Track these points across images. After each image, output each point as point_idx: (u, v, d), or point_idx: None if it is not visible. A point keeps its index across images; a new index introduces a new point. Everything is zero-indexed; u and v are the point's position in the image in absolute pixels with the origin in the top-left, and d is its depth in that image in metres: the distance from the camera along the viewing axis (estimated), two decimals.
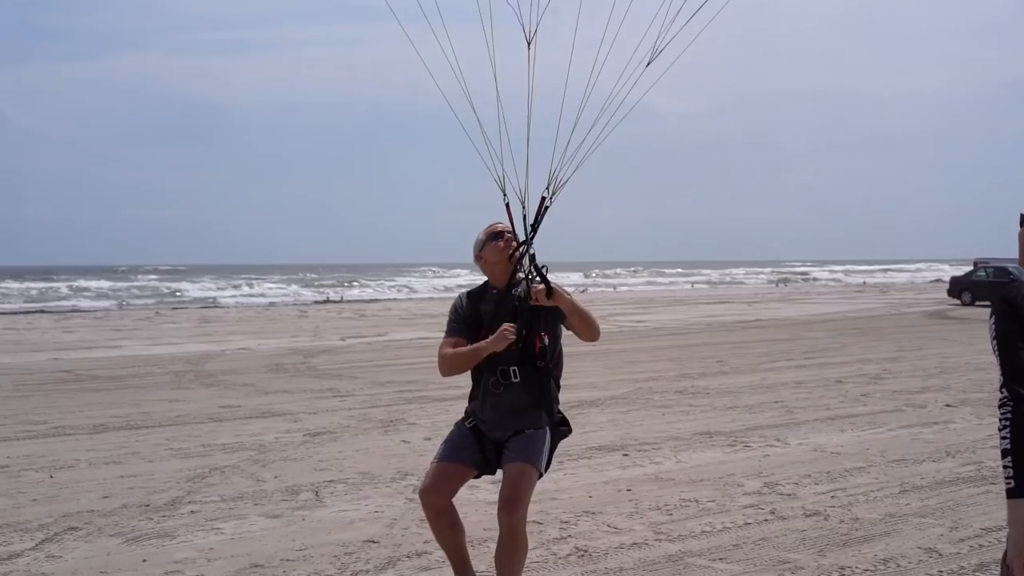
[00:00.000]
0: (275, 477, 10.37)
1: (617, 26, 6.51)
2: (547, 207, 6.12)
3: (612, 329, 32.62)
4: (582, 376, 18.87)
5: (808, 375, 18.88)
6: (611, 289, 79.92)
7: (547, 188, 6.10)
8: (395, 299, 64.28)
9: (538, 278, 5.87)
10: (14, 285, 73.01)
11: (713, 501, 9.21)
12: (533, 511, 8.84)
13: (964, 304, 46.62)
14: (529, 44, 6.22)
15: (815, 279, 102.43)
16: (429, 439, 12.37)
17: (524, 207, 6.11)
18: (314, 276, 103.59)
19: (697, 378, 18.54)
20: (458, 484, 6.17)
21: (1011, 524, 3.85)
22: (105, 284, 77.05)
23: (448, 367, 6.13)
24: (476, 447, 6.14)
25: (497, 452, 6.11)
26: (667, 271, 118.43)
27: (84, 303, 56.44)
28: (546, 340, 6.04)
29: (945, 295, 50.81)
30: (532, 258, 6.02)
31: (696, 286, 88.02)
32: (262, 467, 10.87)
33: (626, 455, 11.38)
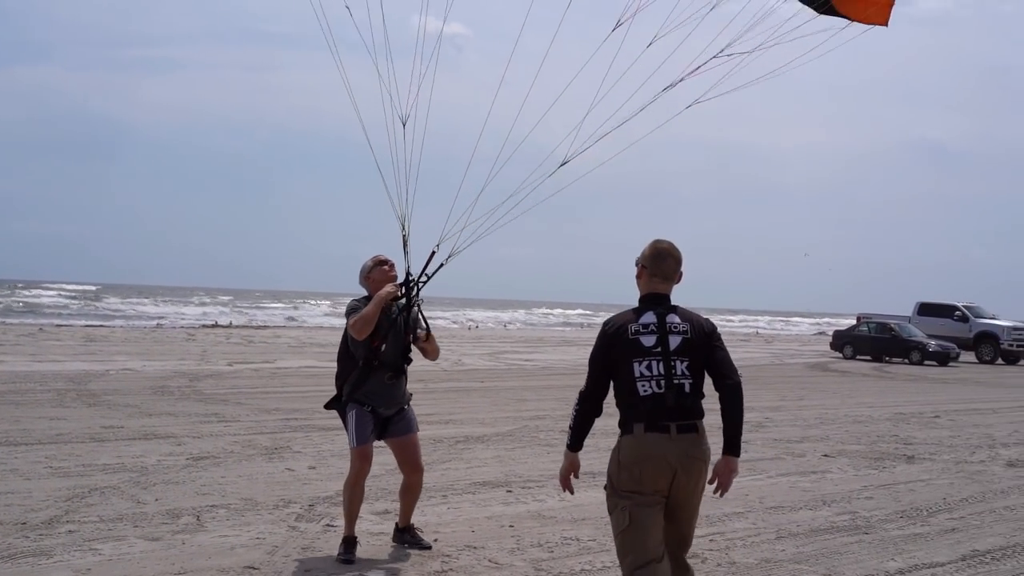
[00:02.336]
0: (156, 500, 10.27)
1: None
2: (442, 264, 8.47)
3: (500, 367, 32.76)
4: (469, 412, 18.95)
5: None
6: (502, 327, 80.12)
7: (437, 245, 8.39)
8: (284, 326, 63.73)
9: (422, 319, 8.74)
10: None
11: (594, 540, 9.31)
12: None
13: (846, 357, 47.49)
14: (404, 124, 8.34)
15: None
16: (313, 468, 12.34)
17: (407, 244, 8.61)
18: (205, 299, 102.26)
19: None
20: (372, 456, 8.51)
21: (565, 461, 6.49)
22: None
23: (364, 324, 8.23)
24: (374, 424, 8.44)
25: (384, 423, 8.52)
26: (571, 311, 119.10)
27: None
28: (413, 335, 8.69)
29: (828, 348, 51.78)
30: (417, 296, 8.63)
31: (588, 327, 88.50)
32: (143, 489, 10.76)
33: (510, 491, 11.46)
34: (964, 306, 51.91)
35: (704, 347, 5.96)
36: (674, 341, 5.89)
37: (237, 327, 58.01)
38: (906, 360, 45.54)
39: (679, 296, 6.16)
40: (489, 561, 8.48)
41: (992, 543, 9.80)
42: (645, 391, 5.83)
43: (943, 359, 45.13)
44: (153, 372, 25.42)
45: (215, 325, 58.71)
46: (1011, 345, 49.71)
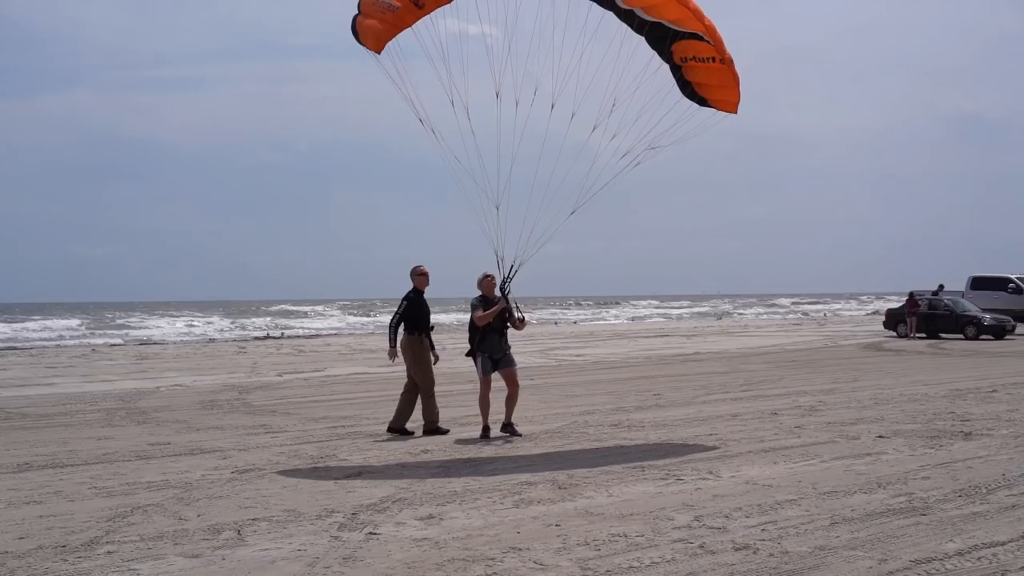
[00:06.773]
0: (198, 515, 10.16)
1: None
2: (516, 269, 14.80)
3: (551, 363, 32.58)
4: (519, 410, 18.72)
5: (744, 407, 18.89)
6: (553, 324, 79.94)
7: (515, 259, 14.75)
8: (336, 334, 63.89)
9: (517, 310, 15.30)
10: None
11: (642, 536, 9.10)
12: (458, 547, 8.73)
13: (899, 336, 46.93)
14: (497, 208, 13.95)
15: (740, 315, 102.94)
16: (359, 475, 12.21)
17: (499, 261, 14.77)
18: (256, 313, 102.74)
19: (632, 411, 18.48)
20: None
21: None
22: (41, 322, 76.01)
23: (484, 319, 14.95)
24: (492, 365, 15.24)
25: (496, 363, 15.25)
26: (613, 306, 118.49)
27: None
28: (507, 317, 15.18)
29: (881, 327, 51.19)
30: (508, 293, 15.03)
31: (638, 320, 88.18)
32: (186, 505, 10.66)
33: (559, 489, 11.26)
34: (1018, 278, 51.24)
35: None
36: None
37: (288, 338, 58.21)
38: (961, 336, 44.98)
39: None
40: (534, 563, 8.27)
41: None
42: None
43: (999, 332, 44.56)
44: (203, 387, 25.46)
45: (267, 337, 58.95)
46: None
